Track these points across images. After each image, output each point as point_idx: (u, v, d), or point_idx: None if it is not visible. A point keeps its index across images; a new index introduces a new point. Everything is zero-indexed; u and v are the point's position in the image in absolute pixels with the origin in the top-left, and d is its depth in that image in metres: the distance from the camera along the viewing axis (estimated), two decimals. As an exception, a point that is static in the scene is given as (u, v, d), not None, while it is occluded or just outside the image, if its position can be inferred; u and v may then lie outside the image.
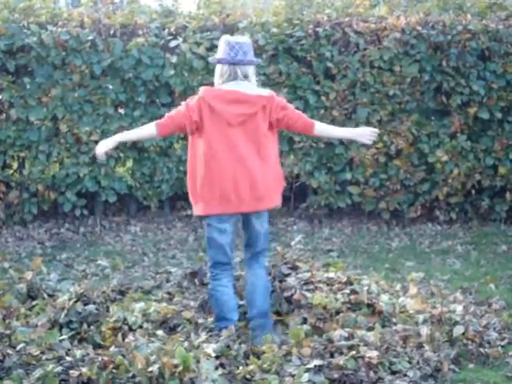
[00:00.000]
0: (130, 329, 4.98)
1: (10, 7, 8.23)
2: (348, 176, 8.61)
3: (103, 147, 4.86)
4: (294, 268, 5.78)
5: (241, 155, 4.79)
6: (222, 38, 4.95)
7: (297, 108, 8.12)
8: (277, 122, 4.90)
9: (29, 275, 5.70)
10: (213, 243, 4.94)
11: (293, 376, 4.33)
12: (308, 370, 4.34)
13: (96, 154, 4.91)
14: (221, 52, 4.88)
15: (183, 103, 4.92)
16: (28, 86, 8.14)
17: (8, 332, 4.78)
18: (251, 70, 4.90)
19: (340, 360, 4.46)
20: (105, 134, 8.18)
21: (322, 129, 5.09)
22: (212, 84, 7.85)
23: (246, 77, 4.85)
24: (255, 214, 4.94)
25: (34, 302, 5.41)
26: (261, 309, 5.03)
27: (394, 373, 4.55)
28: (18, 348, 4.56)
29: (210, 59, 5.05)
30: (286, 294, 5.40)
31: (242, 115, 4.79)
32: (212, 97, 4.82)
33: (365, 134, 5.11)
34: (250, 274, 5.10)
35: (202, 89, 4.92)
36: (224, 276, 4.96)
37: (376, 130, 5.09)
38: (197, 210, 4.97)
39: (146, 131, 4.99)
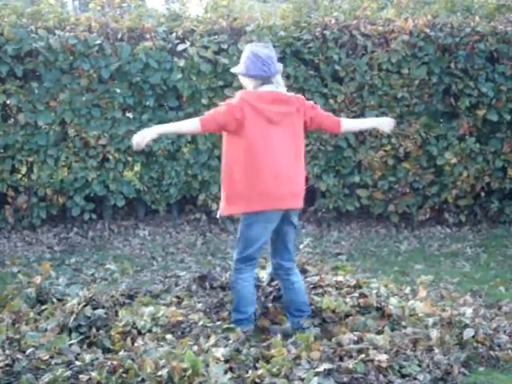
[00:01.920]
0: (139, 333, 4.97)
1: (18, 12, 8.25)
2: (356, 179, 8.60)
3: (144, 139, 4.84)
4: (303, 271, 5.77)
5: (280, 153, 4.92)
6: (251, 50, 4.99)
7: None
8: (310, 121, 5.09)
9: (38, 280, 5.71)
10: (249, 238, 5.00)
11: (302, 380, 4.31)
12: (317, 374, 4.33)
13: (134, 144, 4.86)
14: (252, 66, 4.95)
15: (222, 104, 5.01)
16: (36, 91, 8.16)
17: (17, 336, 4.79)
18: (280, 78, 5.07)
19: (349, 364, 4.44)
20: (113, 138, 8.21)
21: (349, 125, 5.47)
22: (220, 87, 7.87)
23: (278, 83, 5.04)
24: (293, 212, 5.10)
25: (43, 307, 5.41)
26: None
27: (403, 376, 4.53)
28: (28, 352, 4.56)
29: (238, 71, 5.05)
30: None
31: (282, 114, 4.94)
32: (253, 97, 4.93)
33: (384, 122, 5.43)
34: (293, 276, 5.20)
35: (241, 91, 5.03)
36: (248, 271, 5.08)
37: (393, 120, 5.42)
38: (236, 208, 5.02)
39: (189, 126, 5.08)
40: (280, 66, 5.06)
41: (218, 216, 5.30)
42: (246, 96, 4.94)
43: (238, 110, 4.86)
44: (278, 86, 5.01)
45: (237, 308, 5.13)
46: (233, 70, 5.17)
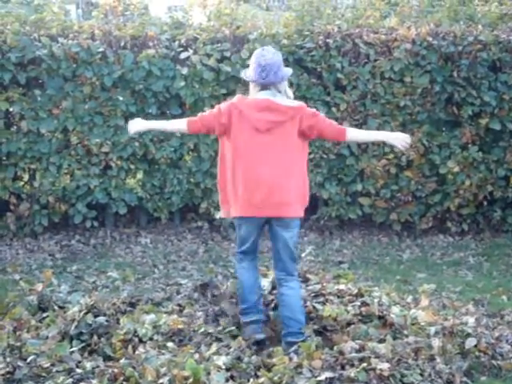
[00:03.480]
0: (141, 341, 4.97)
1: (21, 20, 8.26)
2: (359, 187, 8.60)
3: (137, 127, 5.28)
4: (305, 280, 5.77)
5: (265, 161, 4.93)
6: (255, 55, 5.04)
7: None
8: (309, 129, 5.02)
9: (39, 287, 5.71)
10: (241, 237, 5.20)
11: (304, 388, 4.31)
12: (319, 383, 4.33)
13: (129, 128, 5.28)
14: (253, 72, 5.01)
15: (217, 106, 5.14)
16: (39, 98, 8.16)
17: (18, 344, 4.79)
18: (283, 86, 5.07)
19: (351, 372, 4.44)
20: (115, 146, 8.21)
21: (355, 134, 5.36)
22: (223, 95, 7.91)
23: (279, 92, 5.04)
24: (277, 221, 5.08)
25: (44, 314, 5.41)
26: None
27: (405, 385, 4.53)
28: (29, 360, 4.56)
29: (243, 75, 5.15)
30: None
31: (270, 122, 4.94)
32: (244, 103, 5.00)
33: (399, 137, 5.21)
34: (283, 288, 5.17)
35: (236, 96, 5.15)
36: (247, 260, 5.25)
37: (409, 137, 5.18)
38: (227, 212, 5.19)
39: (177, 126, 5.40)
40: (283, 75, 5.04)
41: (217, 216, 5.55)
42: (236, 101, 5.02)
43: (225, 115, 4.97)
44: (276, 94, 4.99)
45: (242, 297, 5.25)
46: (242, 75, 5.22)
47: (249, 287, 5.24)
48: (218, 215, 5.45)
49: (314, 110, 5.20)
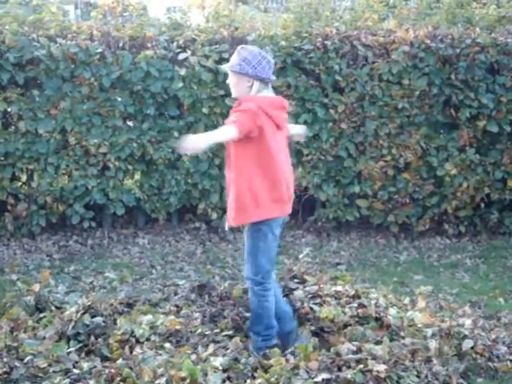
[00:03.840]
0: (138, 341, 4.98)
1: (20, 20, 8.26)
2: (356, 189, 8.60)
3: (202, 145, 4.59)
4: (302, 281, 5.77)
5: (285, 158, 4.99)
6: (259, 52, 4.93)
7: (305, 121, 8.23)
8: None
9: (37, 287, 5.72)
10: (267, 249, 4.90)
11: (300, 390, 4.32)
12: (316, 384, 4.33)
13: (187, 148, 4.55)
14: (261, 69, 4.88)
15: (240, 109, 4.83)
16: (37, 99, 8.16)
17: (15, 344, 4.79)
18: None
19: (348, 374, 4.44)
20: (113, 147, 8.22)
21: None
22: (221, 96, 7.88)
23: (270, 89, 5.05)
24: (283, 220, 5.10)
25: (41, 315, 5.41)
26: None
27: (402, 387, 4.54)
28: (26, 360, 4.57)
29: (243, 71, 4.86)
30: (293, 307, 5.38)
31: (284, 119, 5.00)
32: (266, 103, 4.86)
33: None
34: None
35: (251, 97, 4.88)
36: (271, 284, 4.97)
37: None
38: (251, 216, 4.86)
39: (228, 135, 4.74)
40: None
41: (226, 228, 5.19)
42: (260, 102, 4.82)
43: (259, 117, 4.77)
44: (271, 91, 5.01)
45: (266, 325, 4.97)
46: (230, 67, 4.95)
47: (273, 313, 5.00)
48: (226, 226, 5.07)
49: None
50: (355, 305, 5.40)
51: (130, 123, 8.49)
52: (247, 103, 4.82)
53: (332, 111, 8.39)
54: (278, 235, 4.99)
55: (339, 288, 5.71)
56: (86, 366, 4.52)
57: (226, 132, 4.75)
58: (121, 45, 8.28)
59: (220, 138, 4.85)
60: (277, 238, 4.98)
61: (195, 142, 4.52)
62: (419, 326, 5.26)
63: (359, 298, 5.56)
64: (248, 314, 5.29)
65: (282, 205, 4.93)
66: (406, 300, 5.93)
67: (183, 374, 4.25)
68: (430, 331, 5.12)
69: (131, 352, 4.75)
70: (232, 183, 4.92)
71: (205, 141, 4.59)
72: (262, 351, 4.89)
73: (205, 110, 8.24)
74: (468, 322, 5.37)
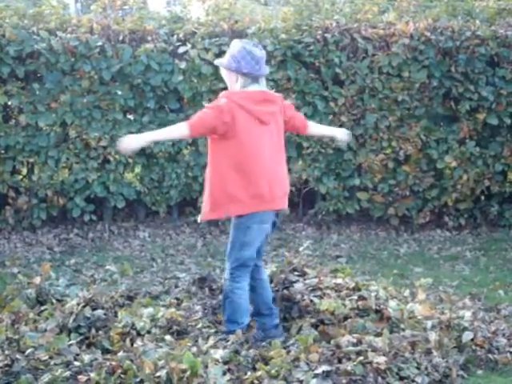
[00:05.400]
0: (138, 334, 4.98)
1: (20, 13, 8.26)
2: (356, 182, 8.62)
3: (130, 146, 4.75)
4: (302, 274, 5.77)
5: (270, 154, 4.86)
6: (245, 48, 4.86)
7: (305, 114, 8.22)
8: (288, 120, 5.07)
9: (37, 280, 5.71)
10: (245, 242, 4.86)
11: (301, 382, 4.33)
12: (316, 376, 4.34)
13: (121, 148, 4.77)
14: (245, 64, 4.83)
15: (208, 106, 4.87)
16: (37, 92, 8.17)
17: (17, 337, 4.79)
18: (264, 79, 5.00)
19: (348, 366, 4.45)
20: (114, 140, 8.21)
21: (313, 129, 5.40)
22: (221, 89, 7.88)
23: (263, 84, 4.96)
24: (281, 213, 5.11)
25: (42, 307, 5.41)
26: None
27: (402, 379, 4.53)
28: (27, 353, 4.57)
29: (229, 66, 4.86)
30: (293, 299, 5.39)
31: (270, 113, 4.88)
32: (242, 97, 4.81)
33: (340, 132, 5.44)
34: (260, 277, 5.12)
35: (225, 93, 4.89)
36: (244, 279, 4.92)
37: (348, 132, 5.46)
38: (224, 211, 4.88)
39: (178, 132, 4.88)
40: (268, 69, 5.02)
41: (199, 221, 5.14)
42: (233, 97, 4.80)
43: (227, 113, 4.71)
44: (263, 86, 4.94)
45: (232, 319, 4.95)
46: (219, 62, 4.98)
47: (245, 309, 4.97)
48: (199, 219, 5.05)
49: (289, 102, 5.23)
50: (355, 297, 5.39)
51: (131, 116, 8.51)
52: (219, 99, 4.84)
53: (332, 104, 8.40)
54: (267, 228, 4.93)
55: (339, 280, 5.71)
56: (86, 358, 4.52)
57: (176, 130, 4.87)
58: (121, 38, 8.29)
59: (169, 137, 5.19)
60: (265, 230, 4.92)
61: (129, 143, 4.70)
62: (419, 318, 5.25)
63: (359, 290, 5.56)
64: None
65: (261, 201, 4.81)
66: (406, 292, 5.94)
67: (184, 367, 4.26)
68: (429, 323, 5.12)
69: (132, 344, 4.76)
70: (207, 178, 4.94)
71: (141, 140, 4.78)
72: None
73: (205, 103, 8.22)
74: (468, 314, 5.37)
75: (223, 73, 4.97)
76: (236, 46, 4.90)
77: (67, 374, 4.31)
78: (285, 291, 5.44)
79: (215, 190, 4.86)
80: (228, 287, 4.94)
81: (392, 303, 5.37)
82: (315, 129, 5.44)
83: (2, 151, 8.26)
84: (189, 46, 8.23)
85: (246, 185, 4.80)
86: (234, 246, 4.90)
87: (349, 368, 4.43)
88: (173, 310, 5.32)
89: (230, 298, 4.93)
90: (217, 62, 5.04)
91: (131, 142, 4.74)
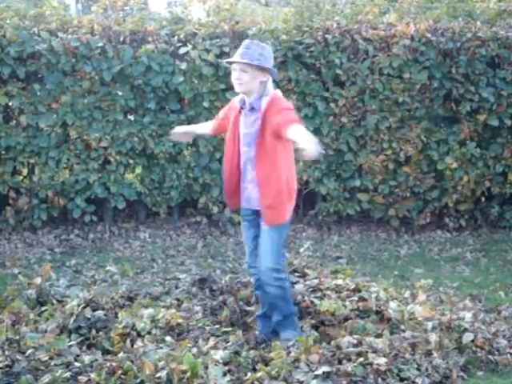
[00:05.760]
0: (139, 335, 4.99)
1: (21, 14, 8.27)
2: (357, 183, 8.62)
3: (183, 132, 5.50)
4: (303, 275, 5.78)
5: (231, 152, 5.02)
6: (269, 48, 4.85)
7: (305, 115, 8.22)
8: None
9: (38, 281, 5.72)
10: (283, 242, 4.96)
11: (301, 383, 4.34)
12: (316, 377, 4.34)
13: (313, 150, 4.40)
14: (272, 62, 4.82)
15: (289, 107, 4.80)
16: (38, 93, 8.17)
17: (17, 337, 4.80)
18: None
19: (348, 367, 4.45)
20: (114, 141, 8.23)
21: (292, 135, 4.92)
22: (222, 90, 7.87)
23: None
24: None
25: (43, 308, 5.42)
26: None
27: (402, 380, 4.54)
28: (27, 353, 4.57)
29: (272, 71, 4.77)
30: (294, 300, 5.39)
31: None
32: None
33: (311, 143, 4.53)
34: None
35: (280, 94, 4.87)
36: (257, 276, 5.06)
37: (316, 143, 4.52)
38: (287, 215, 4.92)
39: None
40: None
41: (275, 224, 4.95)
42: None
43: None
44: None
45: (291, 308, 4.99)
46: (246, 61, 4.69)
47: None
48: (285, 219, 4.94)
49: None
50: (356, 298, 5.41)
51: (131, 117, 8.50)
52: (286, 100, 4.86)
53: (333, 105, 8.40)
54: (246, 225, 5.05)
55: (340, 281, 5.72)
56: (87, 359, 4.52)
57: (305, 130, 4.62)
58: (121, 39, 8.29)
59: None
60: (246, 227, 5.06)
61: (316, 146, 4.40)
62: (419, 319, 5.26)
63: (360, 291, 5.57)
64: (248, 308, 5.31)
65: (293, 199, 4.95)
66: (407, 293, 5.94)
67: (184, 368, 4.26)
68: (430, 324, 5.12)
69: (132, 345, 4.76)
70: (269, 179, 4.84)
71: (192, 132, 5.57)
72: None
73: (205, 104, 8.25)
74: (468, 315, 5.37)
75: (242, 73, 4.72)
76: (263, 46, 4.80)
77: (67, 374, 4.32)
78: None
79: (284, 195, 4.86)
80: (279, 283, 4.87)
81: (392, 304, 5.38)
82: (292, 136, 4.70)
83: (3, 152, 8.26)
84: (190, 46, 8.23)
85: (294, 188, 4.99)
86: (273, 250, 4.84)
87: (349, 369, 4.43)
88: (173, 310, 5.32)
89: (284, 289, 4.91)
90: (240, 59, 4.72)
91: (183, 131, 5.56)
